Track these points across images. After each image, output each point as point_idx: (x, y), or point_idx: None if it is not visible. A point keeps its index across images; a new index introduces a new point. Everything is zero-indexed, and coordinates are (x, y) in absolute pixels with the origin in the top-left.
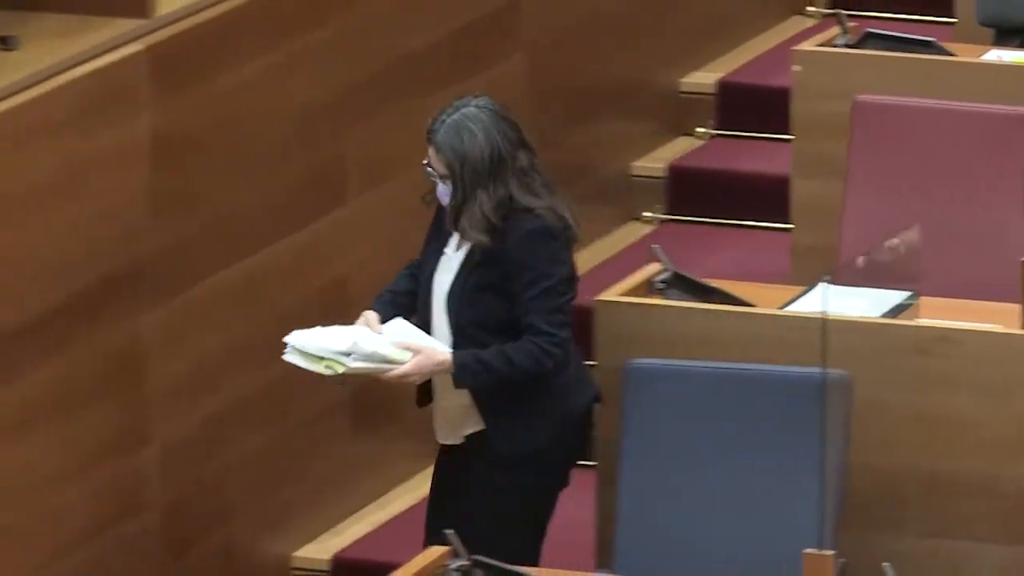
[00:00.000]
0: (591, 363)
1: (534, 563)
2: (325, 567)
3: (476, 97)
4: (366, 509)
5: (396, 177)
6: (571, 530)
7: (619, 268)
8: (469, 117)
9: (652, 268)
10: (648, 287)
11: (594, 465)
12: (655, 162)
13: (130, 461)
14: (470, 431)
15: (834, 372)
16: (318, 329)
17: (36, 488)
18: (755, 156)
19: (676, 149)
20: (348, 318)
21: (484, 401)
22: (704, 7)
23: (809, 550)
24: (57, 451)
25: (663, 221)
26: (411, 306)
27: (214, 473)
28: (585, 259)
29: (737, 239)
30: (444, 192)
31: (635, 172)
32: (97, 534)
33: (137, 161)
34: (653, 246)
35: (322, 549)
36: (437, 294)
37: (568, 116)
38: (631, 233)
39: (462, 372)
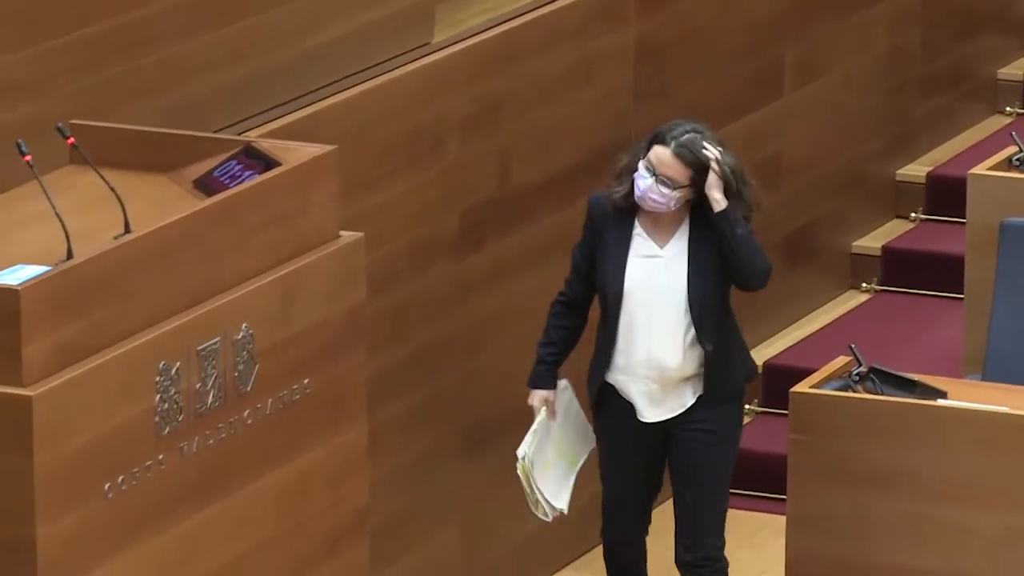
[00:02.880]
0: None
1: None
2: (758, 372)
3: (695, 123)
4: (792, 326)
5: (822, 77)
6: (941, 346)
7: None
8: (701, 137)
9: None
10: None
11: (963, 298)
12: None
13: None
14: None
15: None
16: (549, 455)
17: (538, 306)
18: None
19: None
20: (780, 189)
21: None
22: (921, 108)
23: None
24: (558, 280)
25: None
26: (567, 350)
27: None
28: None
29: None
30: (661, 194)
31: (855, 250)
32: (588, 345)
33: (625, 61)
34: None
35: (757, 356)
36: (657, 294)
37: None
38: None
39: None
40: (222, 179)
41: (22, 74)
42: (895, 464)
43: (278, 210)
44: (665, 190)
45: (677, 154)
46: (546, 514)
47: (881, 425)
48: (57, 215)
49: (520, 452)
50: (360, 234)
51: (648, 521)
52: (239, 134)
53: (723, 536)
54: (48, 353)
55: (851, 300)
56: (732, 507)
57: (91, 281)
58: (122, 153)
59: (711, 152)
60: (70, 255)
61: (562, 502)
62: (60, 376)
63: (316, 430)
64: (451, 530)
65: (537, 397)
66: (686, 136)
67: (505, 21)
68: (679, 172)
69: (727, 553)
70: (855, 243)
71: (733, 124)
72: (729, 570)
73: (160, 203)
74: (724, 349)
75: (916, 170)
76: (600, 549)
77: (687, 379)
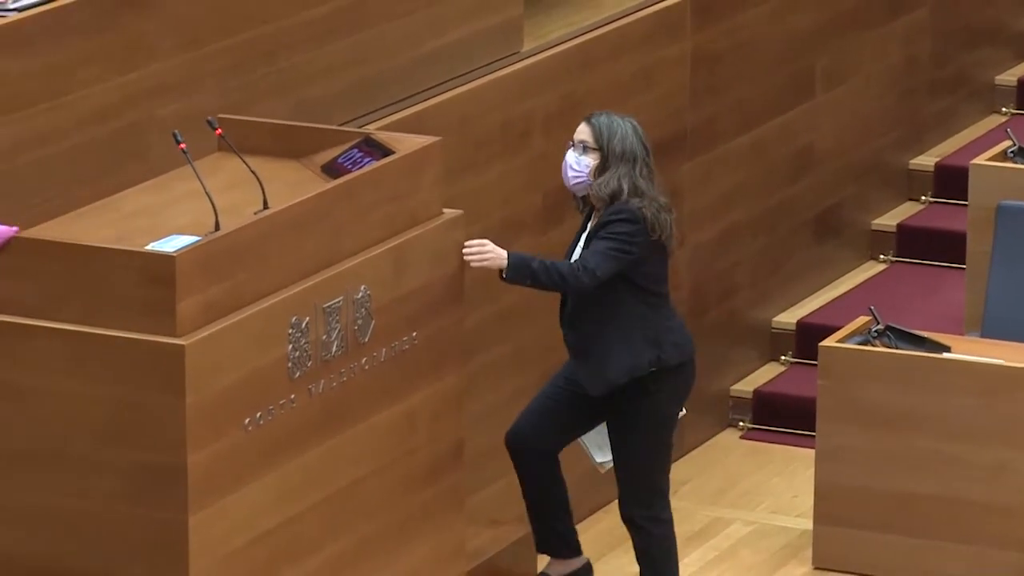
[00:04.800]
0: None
1: None
2: (792, 328)
3: (628, 117)
4: (818, 292)
5: (847, 81)
6: (946, 308)
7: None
8: (620, 120)
9: None
10: None
11: (965, 268)
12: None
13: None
14: None
15: None
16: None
17: None
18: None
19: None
20: (812, 175)
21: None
22: (930, 108)
23: None
24: None
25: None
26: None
27: (727, 265)
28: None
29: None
30: (577, 161)
31: (874, 227)
32: None
33: (683, 67)
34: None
35: (791, 316)
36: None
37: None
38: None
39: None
40: (345, 164)
41: (179, 76)
42: (906, 407)
43: (391, 191)
44: (578, 155)
45: (588, 121)
46: (602, 465)
47: (895, 374)
48: (207, 194)
49: None
50: (460, 211)
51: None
52: (360, 127)
53: (642, 505)
54: (198, 309)
55: (871, 269)
56: (771, 442)
57: (235, 249)
58: (261, 142)
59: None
60: (217, 227)
61: (604, 457)
62: (208, 328)
63: (422, 375)
64: None
65: None
66: (603, 115)
67: (583, 33)
68: (589, 135)
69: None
70: (874, 221)
71: (773, 120)
72: (749, 502)
73: (293, 185)
74: (596, 340)
75: (926, 160)
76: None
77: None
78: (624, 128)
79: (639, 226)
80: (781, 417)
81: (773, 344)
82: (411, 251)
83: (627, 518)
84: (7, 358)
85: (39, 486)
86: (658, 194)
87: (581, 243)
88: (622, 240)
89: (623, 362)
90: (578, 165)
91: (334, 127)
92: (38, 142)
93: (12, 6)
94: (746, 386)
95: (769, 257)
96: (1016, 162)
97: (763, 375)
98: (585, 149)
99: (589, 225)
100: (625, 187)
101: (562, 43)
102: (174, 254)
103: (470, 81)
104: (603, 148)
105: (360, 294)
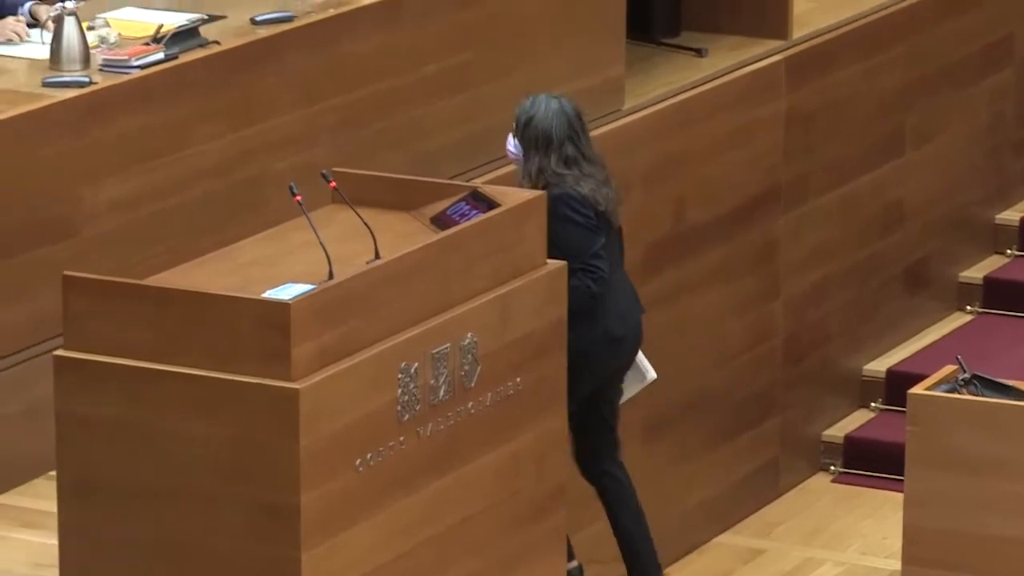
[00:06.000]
0: None
1: None
2: (882, 376)
3: (562, 96)
4: (908, 342)
5: (935, 139)
6: None
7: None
8: (542, 101)
9: None
10: None
11: None
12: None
13: (767, 307)
14: None
15: None
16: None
17: (707, 320)
18: None
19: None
20: (901, 229)
21: None
22: (1015, 165)
23: None
24: (722, 300)
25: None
26: None
27: (820, 315)
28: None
29: None
30: (511, 143)
31: (961, 280)
32: (746, 351)
33: (777, 125)
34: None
35: (881, 364)
36: None
37: None
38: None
39: None
40: (453, 216)
41: (297, 129)
42: (992, 453)
43: (497, 242)
44: (512, 137)
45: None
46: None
47: (982, 421)
48: (321, 244)
49: None
50: (563, 262)
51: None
52: (467, 181)
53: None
54: (312, 355)
55: (958, 320)
56: (862, 486)
57: (347, 297)
58: (373, 195)
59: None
60: (331, 276)
61: (649, 372)
62: (321, 373)
63: (526, 418)
64: None
65: None
66: (529, 99)
67: (681, 92)
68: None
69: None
70: (961, 274)
71: (864, 176)
72: (841, 544)
73: (404, 235)
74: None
75: (1011, 215)
76: (762, 517)
77: None
78: (542, 111)
79: (579, 202)
80: (871, 462)
81: (864, 391)
82: (516, 300)
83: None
84: (134, 400)
85: (162, 522)
86: (595, 169)
87: None
88: (577, 217)
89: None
90: (511, 147)
91: (443, 181)
92: (160, 194)
93: (135, 63)
94: (838, 432)
95: (860, 308)
96: None
97: (854, 421)
98: (514, 132)
99: None
100: (534, 174)
101: (661, 101)
102: (289, 302)
103: None
104: (518, 133)
105: (467, 341)
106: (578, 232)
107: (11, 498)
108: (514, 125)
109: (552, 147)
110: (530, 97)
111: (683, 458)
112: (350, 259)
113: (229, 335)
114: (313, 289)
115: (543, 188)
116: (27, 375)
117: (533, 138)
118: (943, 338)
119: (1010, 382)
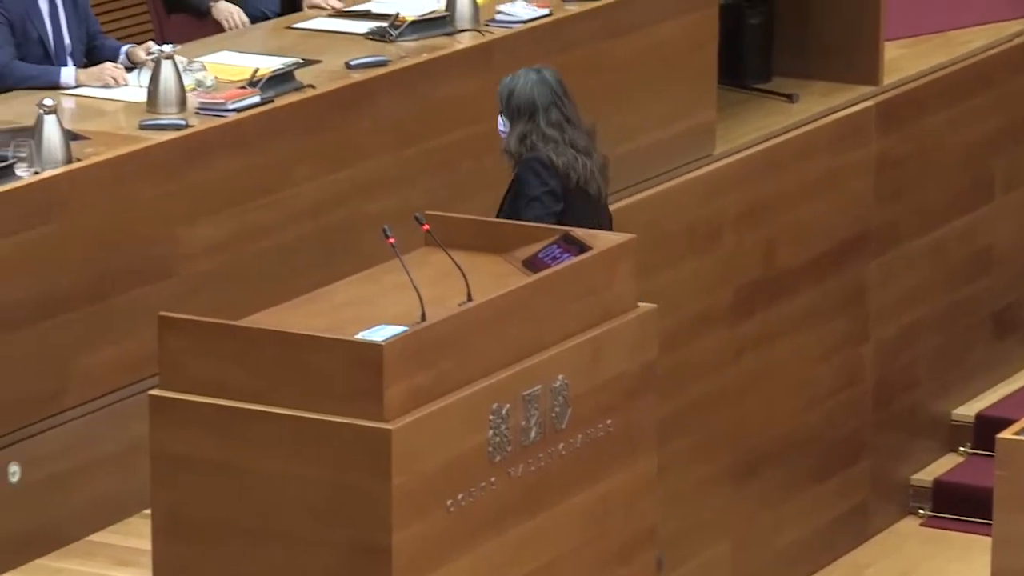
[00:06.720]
0: None
1: None
2: (971, 420)
3: (544, 67)
4: (996, 387)
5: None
6: None
7: None
8: (523, 74)
9: None
10: None
11: None
12: None
13: (857, 351)
14: None
15: None
16: None
17: (797, 364)
18: None
19: None
20: (990, 274)
21: None
22: None
23: None
24: (812, 344)
25: None
26: None
27: (909, 360)
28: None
29: None
30: (500, 122)
31: None
32: (835, 394)
33: (867, 170)
34: None
35: (970, 409)
36: None
37: None
38: None
39: None
40: (545, 260)
41: (390, 172)
42: None
43: (588, 285)
44: (500, 116)
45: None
46: None
47: None
48: (414, 286)
49: None
50: (654, 305)
51: None
52: None
53: None
54: (404, 395)
55: None
56: (950, 529)
57: (440, 339)
58: (466, 237)
59: None
60: (424, 318)
61: None
62: (413, 414)
63: (616, 460)
64: (723, 544)
65: None
66: (510, 75)
67: (771, 137)
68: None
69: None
70: None
71: (954, 221)
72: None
73: (496, 278)
74: None
75: None
76: (852, 560)
77: None
78: (522, 82)
79: (549, 170)
80: (960, 506)
81: (952, 435)
82: (607, 342)
83: None
84: (228, 440)
85: (255, 561)
86: (578, 135)
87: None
88: (537, 193)
89: None
90: (501, 126)
91: (535, 224)
92: (255, 235)
93: (231, 107)
94: (926, 475)
95: (949, 352)
96: None
97: (943, 465)
98: (499, 109)
99: None
100: (514, 144)
101: (752, 147)
102: (383, 343)
103: (664, 182)
104: (503, 108)
105: (558, 383)
106: (538, 209)
107: (106, 536)
108: (498, 103)
109: (538, 113)
110: (510, 74)
111: (773, 500)
112: (443, 301)
113: (323, 376)
114: (406, 331)
115: (527, 152)
116: (123, 414)
117: (517, 107)
118: None
119: None
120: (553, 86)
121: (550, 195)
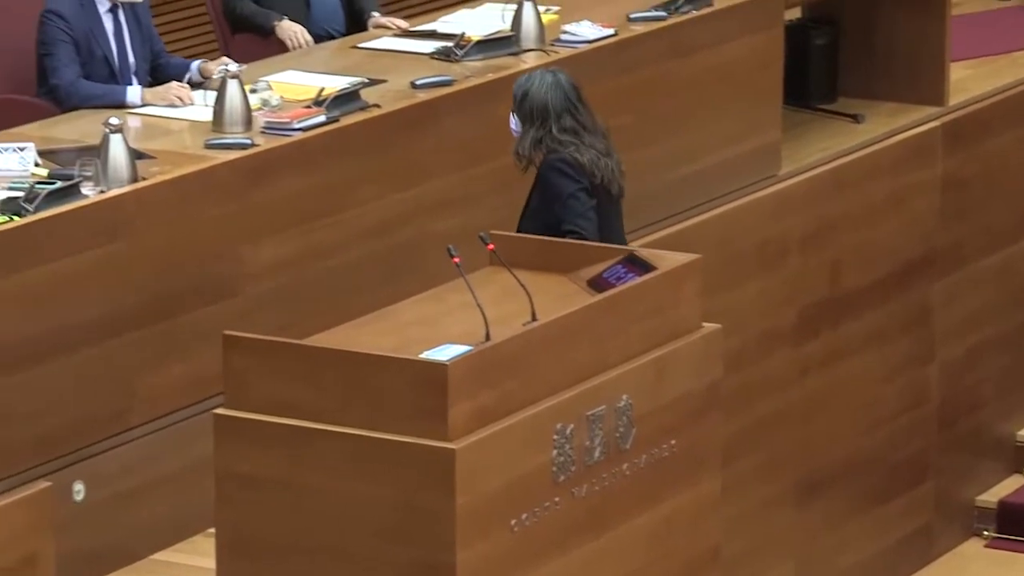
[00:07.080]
0: None
1: None
2: None
3: (559, 71)
4: None
5: None
6: None
7: None
8: (538, 76)
9: None
10: None
11: None
12: None
13: (922, 371)
14: None
15: None
16: None
17: (862, 384)
18: None
19: None
20: None
21: None
22: None
23: None
24: (877, 364)
25: None
26: None
27: (975, 380)
28: None
29: None
30: (512, 122)
31: None
32: (899, 415)
33: (933, 190)
34: None
35: None
36: None
37: None
38: None
39: None
40: (610, 280)
41: (455, 192)
42: None
43: (653, 305)
44: (513, 116)
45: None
46: None
47: None
48: (478, 306)
49: None
50: (718, 326)
51: None
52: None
53: None
54: (468, 415)
55: None
56: (1014, 551)
57: (504, 359)
58: (530, 257)
59: None
60: (488, 338)
61: None
62: (478, 433)
63: (680, 480)
64: (786, 564)
65: None
66: (525, 76)
67: (837, 158)
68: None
69: None
70: None
71: (1020, 242)
72: None
73: (560, 298)
74: None
75: None
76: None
77: None
78: (537, 85)
79: (575, 168)
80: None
81: (1018, 457)
82: (672, 363)
83: None
84: (292, 459)
85: None
86: (595, 139)
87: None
88: (572, 190)
89: None
90: (513, 126)
91: (599, 244)
92: (320, 254)
93: (297, 126)
94: (991, 497)
95: (1015, 373)
96: None
97: (1008, 486)
98: (512, 109)
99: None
100: (527, 147)
101: (817, 167)
102: (447, 363)
103: (729, 202)
104: (516, 108)
105: (622, 403)
106: (576, 207)
107: (171, 555)
108: (512, 102)
109: (550, 119)
110: (525, 75)
111: (836, 521)
112: (507, 321)
113: (387, 395)
114: (471, 350)
115: (543, 157)
116: (188, 433)
117: (530, 111)
118: None
119: None
120: (567, 91)
121: (584, 192)
